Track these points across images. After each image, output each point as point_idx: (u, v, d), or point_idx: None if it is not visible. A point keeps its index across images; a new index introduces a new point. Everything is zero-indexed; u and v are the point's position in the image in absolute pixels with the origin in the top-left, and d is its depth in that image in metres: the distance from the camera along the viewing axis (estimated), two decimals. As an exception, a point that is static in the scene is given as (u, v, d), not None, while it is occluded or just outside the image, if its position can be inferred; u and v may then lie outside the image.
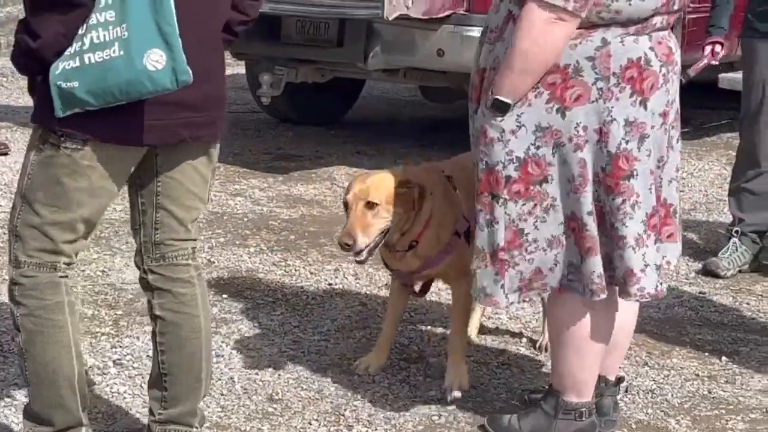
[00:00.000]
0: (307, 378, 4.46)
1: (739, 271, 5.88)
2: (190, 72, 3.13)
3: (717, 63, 6.12)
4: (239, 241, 6.00)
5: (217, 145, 3.56)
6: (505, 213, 3.68)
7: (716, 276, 5.76)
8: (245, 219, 6.39)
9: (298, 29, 7.71)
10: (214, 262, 5.66)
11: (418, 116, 9.68)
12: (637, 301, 3.82)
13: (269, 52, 7.84)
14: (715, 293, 5.58)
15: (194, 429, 3.61)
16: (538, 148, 3.63)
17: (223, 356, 4.61)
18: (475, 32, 6.97)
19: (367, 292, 5.37)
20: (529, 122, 3.62)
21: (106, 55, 3.11)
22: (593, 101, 3.60)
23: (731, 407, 4.38)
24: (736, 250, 5.86)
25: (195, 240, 3.57)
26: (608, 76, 3.59)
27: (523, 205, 3.67)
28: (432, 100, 9.33)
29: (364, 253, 4.10)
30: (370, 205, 4.09)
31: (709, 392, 4.50)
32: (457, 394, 4.22)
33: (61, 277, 3.38)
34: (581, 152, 3.62)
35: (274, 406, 4.24)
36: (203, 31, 3.33)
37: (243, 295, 5.27)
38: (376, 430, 4.08)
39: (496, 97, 3.60)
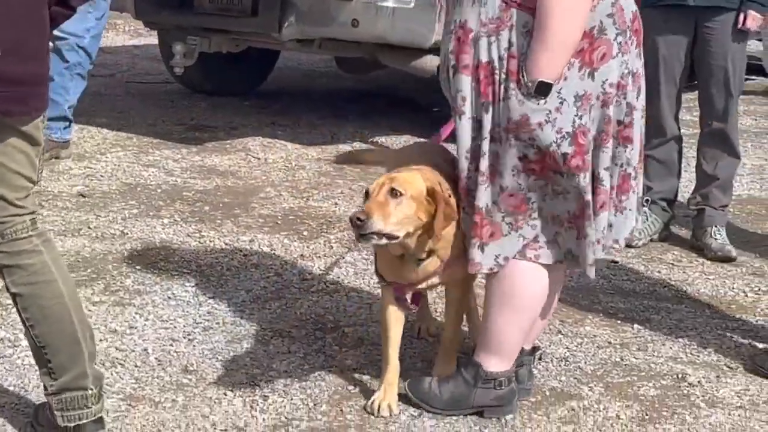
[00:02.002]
0: (222, 349, 4.44)
1: (651, 240, 5.96)
2: None
3: None
4: (153, 213, 5.95)
5: (41, 125, 3.50)
6: (572, 185, 3.69)
7: (628, 245, 5.83)
8: (159, 190, 6.33)
9: (212, -2, 7.64)
10: (127, 234, 5.61)
11: (334, 87, 9.66)
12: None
13: (182, 22, 7.76)
14: (627, 262, 5.65)
15: (90, 390, 3.60)
16: (581, 117, 3.65)
17: (136, 328, 4.58)
18: (390, 2, 6.97)
19: (283, 263, 5.35)
20: (568, 95, 3.62)
21: None
22: (615, 56, 3.67)
23: (643, 374, 4.44)
24: (647, 219, 5.93)
25: (32, 212, 3.53)
26: (625, 29, 3.68)
27: (584, 177, 3.69)
28: (347, 71, 9.31)
29: (374, 237, 3.71)
30: (395, 194, 3.75)
31: (622, 359, 4.55)
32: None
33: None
34: (607, 109, 3.68)
35: (189, 377, 4.22)
36: (16, 3, 3.29)
37: (157, 266, 5.22)
38: (291, 399, 4.07)
39: (540, 80, 3.57)
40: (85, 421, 3.59)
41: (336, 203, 6.25)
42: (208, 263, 5.29)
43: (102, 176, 6.48)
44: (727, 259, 5.69)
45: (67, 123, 6.71)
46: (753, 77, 9.78)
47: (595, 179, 3.72)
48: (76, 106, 6.84)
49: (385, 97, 9.17)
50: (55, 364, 3.57)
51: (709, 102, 5.86)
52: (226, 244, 5.56)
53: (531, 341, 4.12)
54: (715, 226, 5.82)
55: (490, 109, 3.68)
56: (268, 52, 8.88)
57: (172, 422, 3.91)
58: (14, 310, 3.63)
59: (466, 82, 3.72)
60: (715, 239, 5.78)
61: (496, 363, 3.95)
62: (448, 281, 4.04)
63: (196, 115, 8.25)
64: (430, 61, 7.17)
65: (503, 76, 3.65)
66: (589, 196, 3.70)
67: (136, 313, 4.70)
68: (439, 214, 3.77)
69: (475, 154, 3.75)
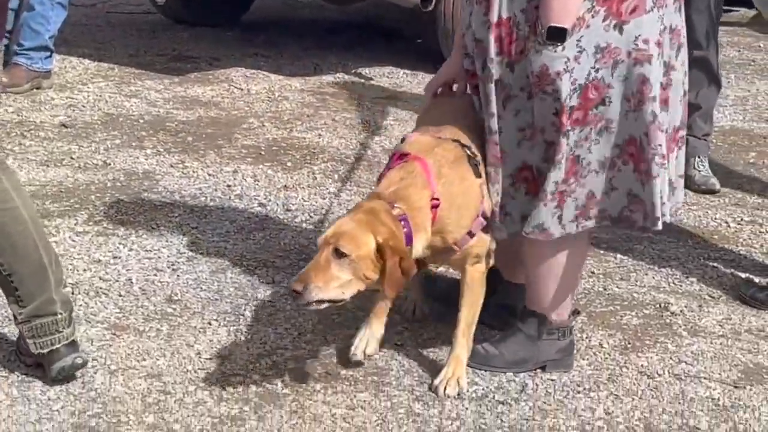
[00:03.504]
0: (206, 279, 4.45)
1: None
2: None
3: None
4: (135, 143, 5.92)
5: None
6: (567, 144, 3.59)
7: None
8: (141, 121, 6.30)
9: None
10: (110, 164, 5.59)
11: (317, 18, 9.58)
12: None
13: (163, -49, 7.68)
14: (610, 193, 5.65)
15: (59, 315, 3.61)
16: (597, 71, 3.54)
17: (120, 258, 4.57)
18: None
19: (266, 194, 5.34)
20: (588, 45, 3.52)
21: None
22: (649, 11, 3.53)
23: (626, 303, 4.47)
24: None
25: None
26: None
27: (581, 131, 3.59)
28: (330, 2, 9.22)
29: (313, 305, 3.47)
30: (340, 254, 3.46)
31: (605, 289, 4.58)
32: (451, 391, 3.75)
33: None
34: (641, 67, 3.54)
35: (173, 306, 4.23)
36: None
37: (140, 196, 5.21)
38: (276, 329, 4.09)
39: (551, 24, 3.47)
40: (57, 345, 3.61)
41: (320, 134, 6.23)
42: (191, 194, 5.28)
43: (84, 106, 6.44)
44: (711, 191, 5.69)
45: (49, 53, 6.65)
46: (736, 8, 9.73)
47: (638, 144, 3.61)
48: (57, 36, 6.78)
49: (368, 27, 9.11)
50: (23, 292, 3.57)
51: (690, 29, 5.82)
52: (209, 174, 5.55)
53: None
54: (698, 157, 5.82)
55: (515, 68, 3.60)
56: (250, -18, 8.80)
57: (157, 351, 3.92)
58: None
59: (491, 42, 3.61)
60: (699, 171, 5.77)
61: (555, 315, 3.89)
62: (465, 257, 3.74)
63: (178, 45, 8.18)
64: (414, -9, 7.11)
65: (526, 29, 3.56)
66: (577, 152, 3.60)
67: (119, 243, 4.69)
68: (389, 276, 3.47)
69: (505, 116, 3.67)
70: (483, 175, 3.71)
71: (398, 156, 3.71)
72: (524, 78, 3.60)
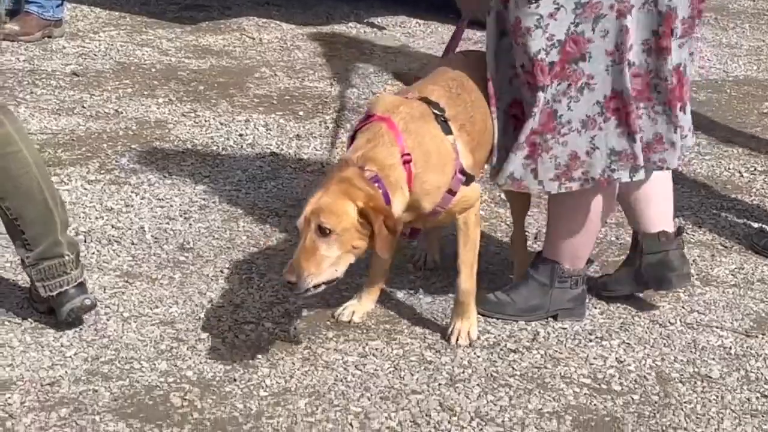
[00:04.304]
0: (218, 227, 4.45)
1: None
2: None
3: None
4: (147, 92, 5.91)
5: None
6: (544, 97, 3.58)
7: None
8: (153, 69, 6.28)
9: None
10: (121, 113, 5.58)
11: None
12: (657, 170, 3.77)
13: None
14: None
15: (66, 257, 3.63)
16: (577, 25, 3.53)
17: (132, 206, 4.58)
18: None
19: (279, 143, 5.33)
20: (567, 1, 3.51)
21: None
22: None
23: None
24: None
25: None
26: None
27: (558, 85, 3.58)
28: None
29: (311, 291, 3.39)
30: (324, 231, 3.36)
31: (617, 238, 4.57)
32: (462, 341, 3.74)
33: None
34: (624, 19, 3.53)
35: (186, 254, 4.23)
36: None
37: (152, 145, 5.20)
38: (288, 277, 4.10)
39: None
40: (66, 287, 3.62)
41: (331, 83, 6.21)
42: (203, 143, 5.27)
43: (95, 55, 6.42)
44: None
45: (60, 1, 6.62)
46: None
47: (624, 98, 3.60)
48: (68, -16, 6.76)
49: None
50: (29, 235, 3.59)
51: None
52: (221, 123, 5.53)
53: (668, 224, 3.94)
54: None
55: (508, 7, 3.59)
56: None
57: (170, 299, 3.93)
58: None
59: None
60: None
61: (569, 263, 3.89)
62: (450, 213, 3.66)
63: (189, -6, 8.14)
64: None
65: None
66: (554, 107, 3.60)
67: (132, 192, 4.69)
68: (378, 236, 3.37)
69: (501, 59, 3.68)
70: (455, 132, 3.60)
71: (364, 119, 3.63)
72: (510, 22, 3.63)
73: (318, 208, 3.37)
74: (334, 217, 3.35)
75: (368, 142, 3.51)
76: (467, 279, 3.72)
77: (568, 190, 3.71)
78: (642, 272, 3.95)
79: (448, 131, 3.58)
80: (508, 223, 4.64)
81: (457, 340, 3.73)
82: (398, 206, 3.48)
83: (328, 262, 3.36)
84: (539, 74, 3.56)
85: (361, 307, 3.87)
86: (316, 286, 3.38)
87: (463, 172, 3.58)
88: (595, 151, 3.67)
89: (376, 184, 3.44)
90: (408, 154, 3.48)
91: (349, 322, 3.82)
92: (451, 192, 3.56)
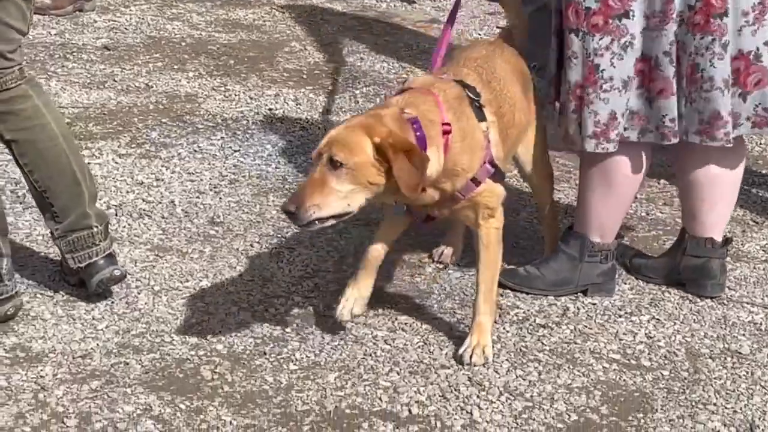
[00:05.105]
0: (248, 201, 4.46)
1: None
2: None
3: None
4: (178, 66, 5.92)
5: None
6: (583, 47, 3.59)
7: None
8: (183, 43, 6.29)
9: None
10: (152, 87, 5.59)
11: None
12: (723, 145, 3.67)
13: None
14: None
15: (95, 228, 3.66)
16: None
17: (163, 180, 4.59)
18: None
19: (308, 117, 5.33)
20: None
21: None
22: None
23: (668, 228, 4.45)
24: None
25: (20, 63, 3.54)
26: None
27: (600, 39, 3.58)
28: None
29: (316, 224, 3.20)
30: (335, 164, 3.17)
31: (647, 213, 4.56)
32: (477, 360, 3.52)
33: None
34: None
35: (216, 228, 4.25)
36: None
37: (182, 119, 5.21)
38: (318, 252, 4.10)
39: None
40: (95, 258, 3.65)
41: (361, 57, 6.20)
42: (233, 117, 5.28)
43: (126, 29, 6.44)
44: None
45: (90, -25, 6.65)
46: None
47: (652, 63, 3.59)
48: (99, -42, 6.77)
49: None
50: (58, 207, 3.62)
51: None
52: (251, 98, 5.54)
53: (718, 231, 3.92)
54: None
55: None
56: None
57: (200, 272, 3.95)
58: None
59: None
60: None
61: (599, 237, 3.88)
62: (473, 210, 3.49)
63: (219, -32, 8.14)
64: None
65: None
66: (596, 62, 3.60)
67: (162, 166, 4.71)
68: (399, 172, 3.16)
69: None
70: (489, 118, 3.46)
71: (397, 93, 3.48)
72: None
73: (332, 140, 3.19)
74: (346, 150, 3.16)
75: (414, 97, 3.35)
76: (486, 301, 3.54)
77: (604, 150, 3.70)
78: (680, 270, 3.96)
79: (482, 117, 3.45)
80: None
81: (471, 357, 3.51)
82: (433, 163, 3.27)
83: (336, 196, 3.17)
84: (572, 15, 3.58)
85: (360, 294, 3.62)
86: (321, 220, 3.18)
87: (492, 163, 3.45)
88: (632, 116, 3.68)
89: (414, 126, 3.26)
90: (449, 124, 3.33)
91: (352, 318, 3.62)
92: (476, 181, 3.42)
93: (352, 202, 3.20)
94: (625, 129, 3.68)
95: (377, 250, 3.61)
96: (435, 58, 3.73)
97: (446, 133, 3.31)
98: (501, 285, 3.77)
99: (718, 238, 3.91)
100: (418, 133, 3.25)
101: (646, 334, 3.73)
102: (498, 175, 3.47)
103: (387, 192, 3.25)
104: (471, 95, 3.45)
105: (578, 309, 3.85)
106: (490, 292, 3.55)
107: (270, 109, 5.40)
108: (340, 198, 3.17)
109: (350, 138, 3.18)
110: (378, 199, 3.30)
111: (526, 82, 3.81)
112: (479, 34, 6.73)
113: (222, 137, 5.04)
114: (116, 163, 4.72)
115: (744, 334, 3.76)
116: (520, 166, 3.91)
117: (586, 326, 3.76)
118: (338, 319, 3.60)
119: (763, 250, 4.30)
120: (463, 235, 4.08)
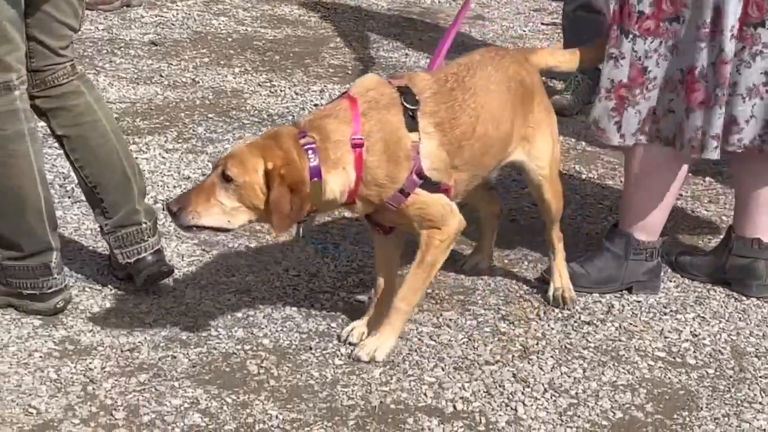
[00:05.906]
0: (293, 197, 4.48)
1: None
2: None
3: None
4: (224, 61, 5.95)
5: None
6: (633, 49, 3.62)
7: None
8: (229, 39, 6.33)
9: None
10: (198, 82, 5.63)
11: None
12: (733, 151, 3.71)
13: None
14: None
15: (143, 224, 3.69)
16: None
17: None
18: None
19: (353, 113, 5.35)
20: None
21: None
22: None
23: (714, 226, 4.43)
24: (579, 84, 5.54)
25: (71, 59, 3.58)
26: None
27: (651, 42, 3.61)
28: None
29: (194, 230, 3.29)
30: (226, 178, 3.21)
31: (692, 212, 4.55)
32: (364, 357, 3.46)
33: (18, 102, 3.40)
34: (724, 4, 3.51)
35: (261, 224, 4.26)
36: None
37: (228, 114, 5.25)
38: (363, 248, 4.12)
39: None
40: (143, 254, 3.68)
41: (406, 53, 6.21)
42: (279, 112, 5.31)
43: (173, 24, 6.48)
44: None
45: (138, -29, 6.70)
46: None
47: (695, 74, 3.58)
48: (146, -46, 6.82)
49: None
50: (108, 203, 3.66)
51: None
52: (296, 93, 5.57)
53: (766, 233, 3.92)
54: None
55: None
56: None
57: (245, 267, 3.97)
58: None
59: None
60: None
61: (644, 235, 3.88)
62: (412, 220, 3.40)
63: (265, -36, 8.18)
64: None
65: None
66: (645, 64, 3.61)
67: (209, 161, 4.74)
68: (274, 205, 3.18)
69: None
70: (424, 129, 3.34)
71: (340, 94, 3.45)
72: None
73: (231, 155, 3.24)
74: (240, 168, 3.18)
75: (324, 114, 3.34)
76: (405, 298, 3.45)
77: (638, 142, 3.72)
78: (726, 269, 3.95)
79: (413, 128, 3.34)
80: (581, 194, 4.64)
81: (360, 351, 3.46)
82: (335, 187, 3.27)
83: (219, 209, 3.21)
84: (626, 18, 3.62)
85: (372, 323, 3.58)
86: (199, 228, 3.24)
87: (420, 174, 3.34)
88: (668, 114, 3.68)
89: (309, 153, 3.24)
90: (360, 139, 3.27)
91: (360, 340, 3.54)
92: (404, 192, 3.33)
93: (232, 219, 3.25)
94: (658, 129, 3.70)
95: (380, 284, 3.59)
96: (435, 59, 3.73)
97: (357, 146, 3.27)
98: (545, 282, 3.79)
99: (765, 239, 3.89)
100: (312, 162, 3.23)
101: (691, 332, 3.73)
102: (430, 186, 3.35)
103: (262, 218, 3.29)
104: (406, 104, 3.35)
105: (623, 306, 3.85)
106: (412, 296, 3.46)
107: (315, 105, 5.42)
108: (222, 212, 3.22)
109: (247, 157, 3.21)
110: (261, 221, 3.34)
111: (524, 93, 3.62)
112: (523, 31, 6.73)
113: (268, 133, 5.06)
114: (163, 158, 4.76)
115: (790, 333, 3.75)
116: (526, 177, 3.76)
117: (631, 323, 3.75)
118: (346, 339, 3.55)
119: (810, 249, 4.28)
120: (488, 245, 4.03)
